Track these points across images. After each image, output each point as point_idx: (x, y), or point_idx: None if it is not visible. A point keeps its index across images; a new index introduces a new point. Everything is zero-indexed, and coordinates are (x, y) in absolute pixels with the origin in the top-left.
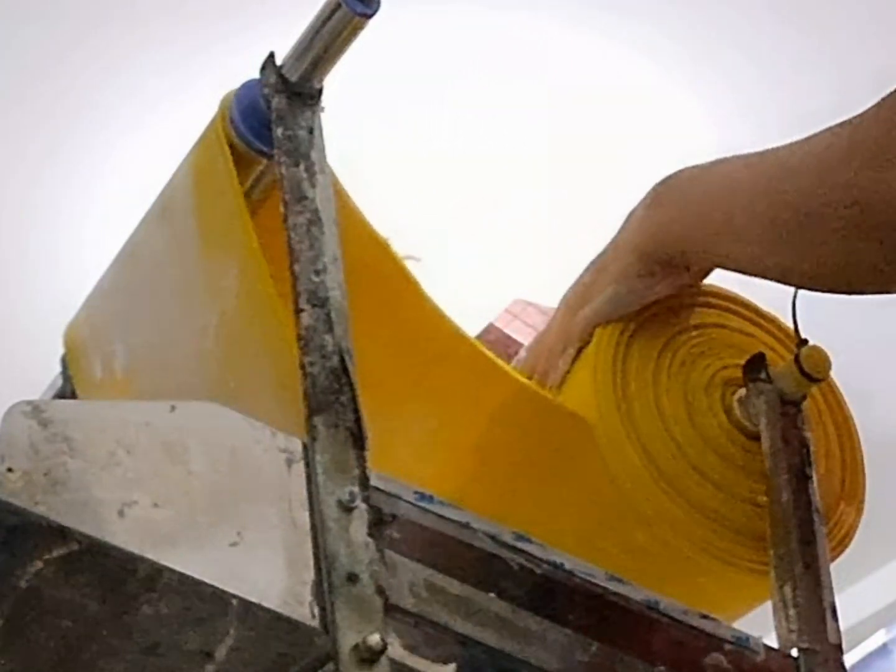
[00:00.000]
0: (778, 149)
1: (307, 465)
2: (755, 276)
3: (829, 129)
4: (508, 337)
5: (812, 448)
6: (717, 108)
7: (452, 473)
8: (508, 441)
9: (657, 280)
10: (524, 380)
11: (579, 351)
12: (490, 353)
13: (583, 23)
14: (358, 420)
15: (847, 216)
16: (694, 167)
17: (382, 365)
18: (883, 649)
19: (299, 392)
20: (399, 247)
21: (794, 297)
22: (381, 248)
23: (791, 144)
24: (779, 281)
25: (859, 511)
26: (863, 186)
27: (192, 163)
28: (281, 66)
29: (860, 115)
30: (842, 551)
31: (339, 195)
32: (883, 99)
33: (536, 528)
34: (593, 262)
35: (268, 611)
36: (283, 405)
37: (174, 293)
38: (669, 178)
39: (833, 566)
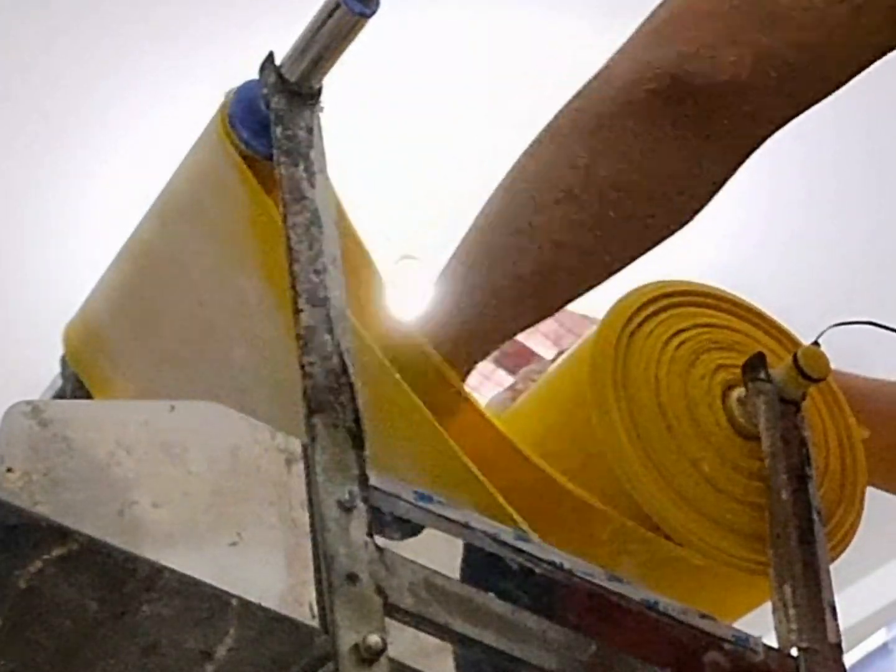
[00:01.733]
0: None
1: (307, 465)
2: None
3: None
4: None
5: (812, 448)
6: None
7: None
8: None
9: None
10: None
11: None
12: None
13: (586, 22)
14: (358, 420)
15: None
16: None
17: None
18: (883, 649)
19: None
20: (398, 247)
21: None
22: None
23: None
24: None
25: (859, 511)
26: None
27: (196, 165)
28: (280, 66)
29: None
30: (842, 551)
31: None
32: None
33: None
34: None
35: (267, 611)
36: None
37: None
38: None
39: (833, 566)
